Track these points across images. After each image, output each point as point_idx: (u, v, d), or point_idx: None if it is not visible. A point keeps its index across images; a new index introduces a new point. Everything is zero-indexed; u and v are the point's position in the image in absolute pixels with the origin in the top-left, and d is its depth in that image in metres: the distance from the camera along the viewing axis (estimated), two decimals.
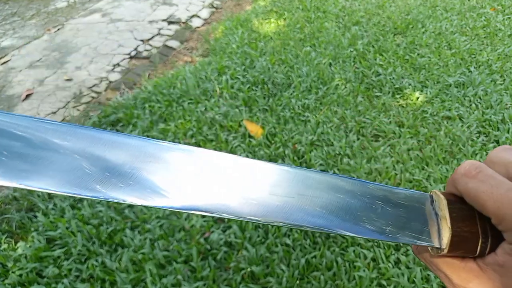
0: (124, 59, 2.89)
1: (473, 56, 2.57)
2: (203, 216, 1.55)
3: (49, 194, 1.70)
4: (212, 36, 3.11)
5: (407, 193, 0.26)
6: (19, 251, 1.47)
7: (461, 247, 0.24)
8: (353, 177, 0.31)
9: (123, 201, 0.23)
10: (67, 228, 1.52)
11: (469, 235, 0.25)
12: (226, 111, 2.09)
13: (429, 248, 0.26)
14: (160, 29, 3.33)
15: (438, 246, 0.25)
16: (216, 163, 0.25)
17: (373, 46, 2.70)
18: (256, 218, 0.24)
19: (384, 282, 1.32)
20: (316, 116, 2.05)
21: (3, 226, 1.59)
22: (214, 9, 3.75)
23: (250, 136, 1.94)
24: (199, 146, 1.37)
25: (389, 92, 2.25)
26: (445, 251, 0.25)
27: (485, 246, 0.25)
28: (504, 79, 2.32)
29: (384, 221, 0.25)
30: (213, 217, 1.52)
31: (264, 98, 2.23)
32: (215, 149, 0.42)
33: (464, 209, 0.26)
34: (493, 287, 0.24)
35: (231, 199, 0.24)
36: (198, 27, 3.41)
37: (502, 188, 0.25)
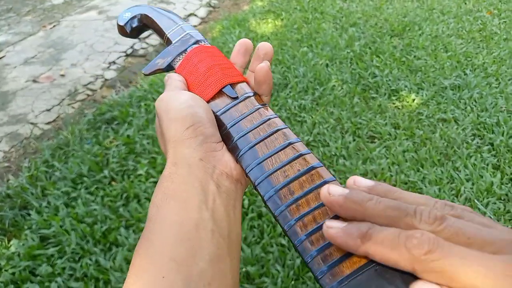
0: (120, 57, 2.87)
1: (469, 59, 2.59)
2: None
3: (43, 192, 1.69)
4: (209, 35, 3.11)
5: None
6: (12, 249, 1.46)
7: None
8: None
9: None
10: (61, 227, 1.51)
11: None
12: None
13: None
14: None
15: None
16: None
17: (370, 48, 2.71)
18: None
19: None
20: (312, 117, 2.06)
21: None
22: (211, 8, 3.75)
23: None
24: None
25: (385, 94, 2.26)
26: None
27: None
28: (499, 82, 2.34)
29: None
30: None
31: None
32: None
33: None
34: None
35: None
36: (195, 26, 3.40)
37: None
